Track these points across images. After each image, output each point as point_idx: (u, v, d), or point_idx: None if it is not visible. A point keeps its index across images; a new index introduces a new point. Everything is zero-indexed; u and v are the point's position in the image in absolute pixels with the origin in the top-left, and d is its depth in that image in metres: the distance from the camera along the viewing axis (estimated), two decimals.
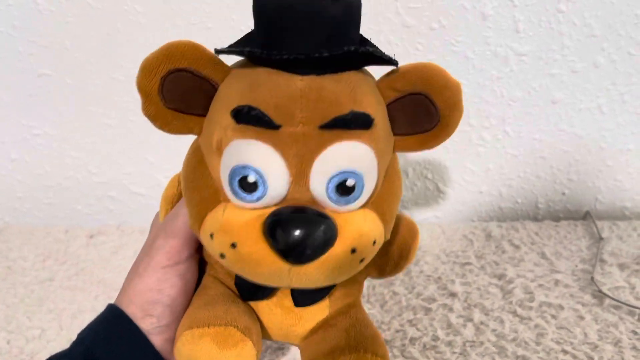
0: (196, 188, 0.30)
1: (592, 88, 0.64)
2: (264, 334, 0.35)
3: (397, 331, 0.50)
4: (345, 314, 0.36)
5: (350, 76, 0.29)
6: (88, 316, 0.43)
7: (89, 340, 0.34)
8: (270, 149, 0.27)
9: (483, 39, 0.61)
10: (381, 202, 0.31)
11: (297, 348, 0.38)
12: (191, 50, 0.28)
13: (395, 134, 0.31)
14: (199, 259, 0.38)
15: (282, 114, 0.27)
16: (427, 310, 0.52)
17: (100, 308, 0.36)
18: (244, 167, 0.27)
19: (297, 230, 0.26)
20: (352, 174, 0.28)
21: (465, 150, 0.68)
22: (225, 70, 0.30)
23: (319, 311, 0.35)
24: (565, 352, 0.46)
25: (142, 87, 0.28)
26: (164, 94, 0.29)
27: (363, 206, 0.30)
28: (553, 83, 0.64)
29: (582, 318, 0.50)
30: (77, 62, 0.65)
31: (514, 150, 0.68)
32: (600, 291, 0.53)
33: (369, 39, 0.31)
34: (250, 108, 0.27)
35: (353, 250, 0.28)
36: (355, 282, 0.37)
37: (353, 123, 0.28)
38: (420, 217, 0.74)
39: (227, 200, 0.29)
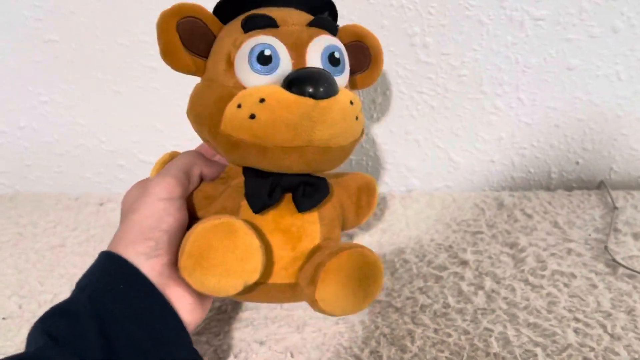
0: (212, 91, 0.37)
1: (610, 54, 0.62)
2: (266, 275, 0.39)
3: (408, 298, 0.49)
4: (332, 240, 0.42)
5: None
6: None
7: (90, 288, 0.34)
8: (275, 38, 0.36)
9: (498, 2, 0.59)
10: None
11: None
12: (196, 6, 0.38)
13: None
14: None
15: (279, 19, 0.37)
16: (438, 278, 0.52)
17: None
18: (261, 44, 0.36)
19: (311, 75, 0.34)
20: (337, 48, 0.39)
21: (478, 118, 0.67)
22: (220, 25, 0.40)
23: (312, 239, 0.40)
24: (577, 320, 0.46)
25: (163, 25, 0.37)
26: (179, 32, 0.37)
27: None
28: (569, 49, 0.62)
29: (595, 286, 0.50)
30: (84, 27, 0.64)
31: (528, 118, 0.67)
32: (614, 260, 0.52)
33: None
34: (256, 14, 0.37)
35: (351, 102, 0.36)
36: (335, 222, 0.43)
37: (328, 22, 0.39)
38: (431, 186, 0.73)
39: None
